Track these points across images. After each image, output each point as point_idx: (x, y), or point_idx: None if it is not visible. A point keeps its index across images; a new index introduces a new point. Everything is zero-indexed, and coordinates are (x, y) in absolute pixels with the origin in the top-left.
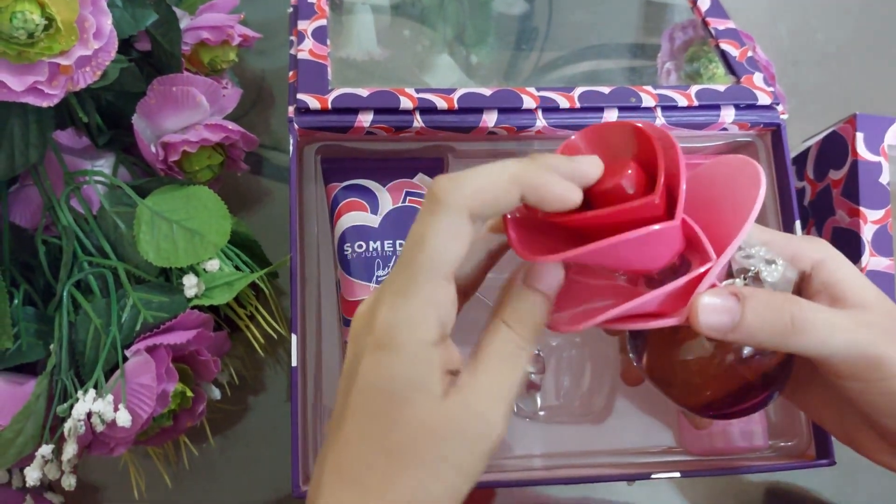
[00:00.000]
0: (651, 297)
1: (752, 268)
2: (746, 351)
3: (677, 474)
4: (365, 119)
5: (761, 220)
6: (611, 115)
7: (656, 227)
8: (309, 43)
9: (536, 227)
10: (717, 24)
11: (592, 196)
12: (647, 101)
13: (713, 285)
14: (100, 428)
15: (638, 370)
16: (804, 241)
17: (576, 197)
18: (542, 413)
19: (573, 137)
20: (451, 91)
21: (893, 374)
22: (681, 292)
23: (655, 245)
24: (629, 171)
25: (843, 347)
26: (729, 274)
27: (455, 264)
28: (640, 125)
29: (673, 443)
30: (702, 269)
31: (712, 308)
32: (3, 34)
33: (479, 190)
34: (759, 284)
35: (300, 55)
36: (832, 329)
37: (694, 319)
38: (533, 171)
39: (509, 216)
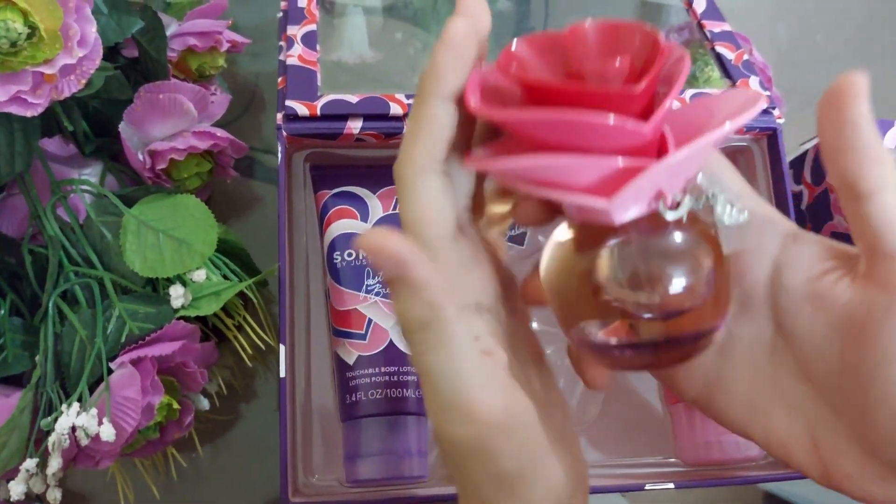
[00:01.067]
0: (577, 162)
1: (712, 196)
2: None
3: (671, 485)
4: (354, 126)
5: None
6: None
7: (610, 117)
8: (298, 48)
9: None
10: (712, 26)
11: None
12: None
13: (660, 193)
14: (84, 442)
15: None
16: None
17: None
18: None
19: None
20: None
21: None
22: (616, 176)
23: (609, 139)
24: (619, 60)
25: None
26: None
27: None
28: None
29: (667, 453)
30: (649, 160)
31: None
32: None
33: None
34: (709, 217)
35: (289, 61)
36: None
37: None
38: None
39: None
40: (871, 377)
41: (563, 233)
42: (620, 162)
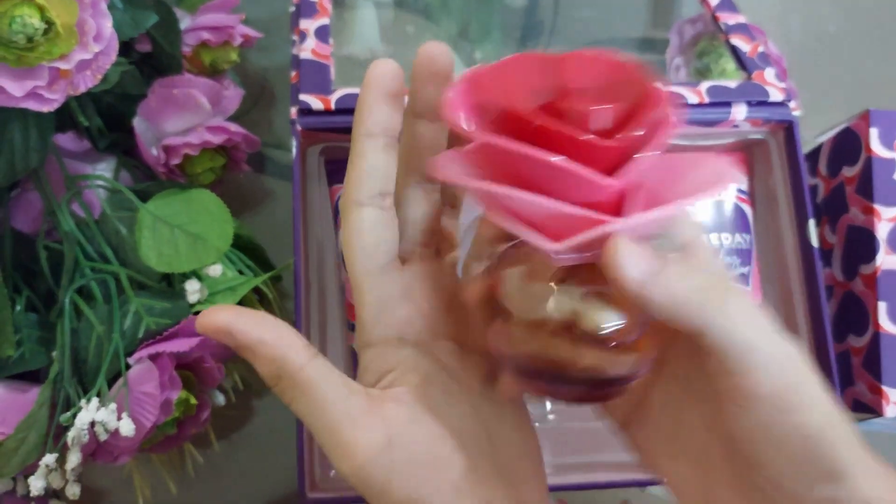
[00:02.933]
0: (533, 200)
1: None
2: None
3: None
4: None
5: (773, 215)
6: None
7: (576, 167)
8: (311, 42)
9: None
10: (727, 18)
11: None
12: None
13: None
14: (103, 437)
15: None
16: None
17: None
18: (551, 417)
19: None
20: None
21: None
22: (571, 222)
23: (571, 186)
24: (605, 107)
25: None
26: None
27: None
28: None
29: None
30: (609, 218)
31: (634, 251)
32: (3, 38)
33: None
34: None
35: (302, 55)
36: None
37: (611, 253)
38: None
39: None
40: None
41: (514, 256)
42: (577, 211)
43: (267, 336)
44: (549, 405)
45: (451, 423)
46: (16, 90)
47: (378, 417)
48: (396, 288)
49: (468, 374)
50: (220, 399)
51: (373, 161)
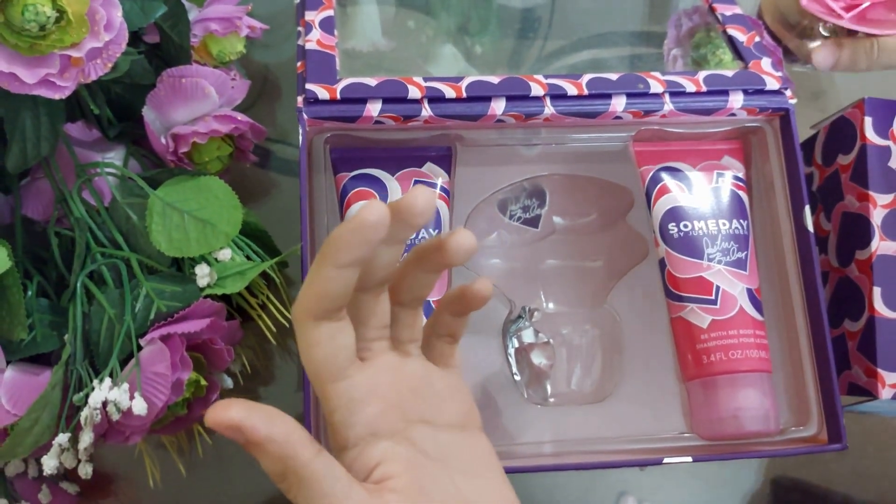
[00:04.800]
0: None
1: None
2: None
3: (689, 459)
4: (373, 108)
5: (770, 201)
6: (619, 102)
7: None
8: (317, 33)
9: None
10: (723, 9)
11: None
12: (655, 88)
13: None
14: (115, 416)
15: None
16: None
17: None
18: (552, 400)
19: None
20: (460, 79)
21: None
22: None
23: None
24: None
25: None
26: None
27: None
28: None
29: (684, 428)
30: None
31: None
32: (15, 27)
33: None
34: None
35: (308, 45)
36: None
37: None
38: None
39: None
40: None
41: None
42: None
43: (276, 433)
44: (549, 389)
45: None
46: (28, 77)
47: None
48: (361, 388)
49: (444, 450)
50: (229, 383)
51: (335, 288)
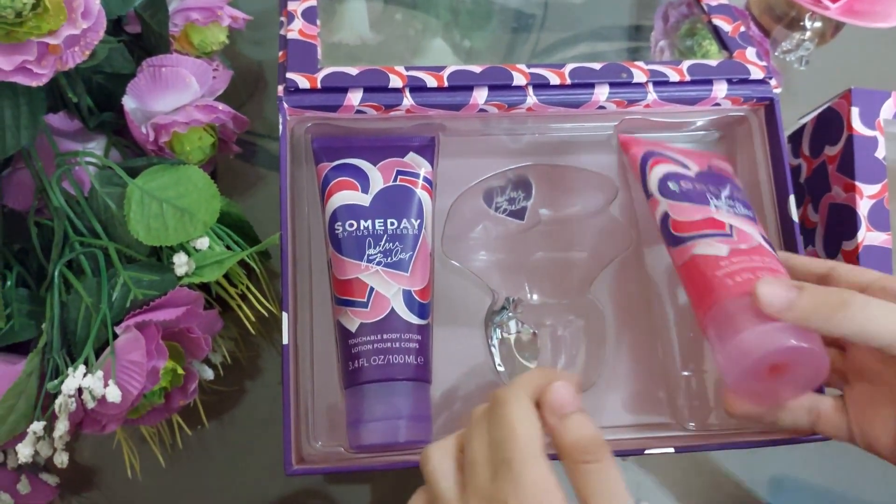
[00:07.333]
0: None
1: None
2: None
3: (671, 450)
4: (354, 97)
5: (755, 190)
6: (602, 91)
7: None
8: (298, 23)
9: None
10: (709, 0)
11: None
12: (639, 77)
13: None
14: (91, 404)
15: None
16: None
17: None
18: None
19: None
20: (441, 69)
21: None
22: None
23: None
24: None
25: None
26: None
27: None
28: None
29: (668, 418)
30: None
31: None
32: None
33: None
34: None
35: (289, 35)
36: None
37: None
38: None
39: None
40: None
41: None
42: None
43: None
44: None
45: None
46: (5, 64)
47: None
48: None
49: None
50: (209, 373)
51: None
